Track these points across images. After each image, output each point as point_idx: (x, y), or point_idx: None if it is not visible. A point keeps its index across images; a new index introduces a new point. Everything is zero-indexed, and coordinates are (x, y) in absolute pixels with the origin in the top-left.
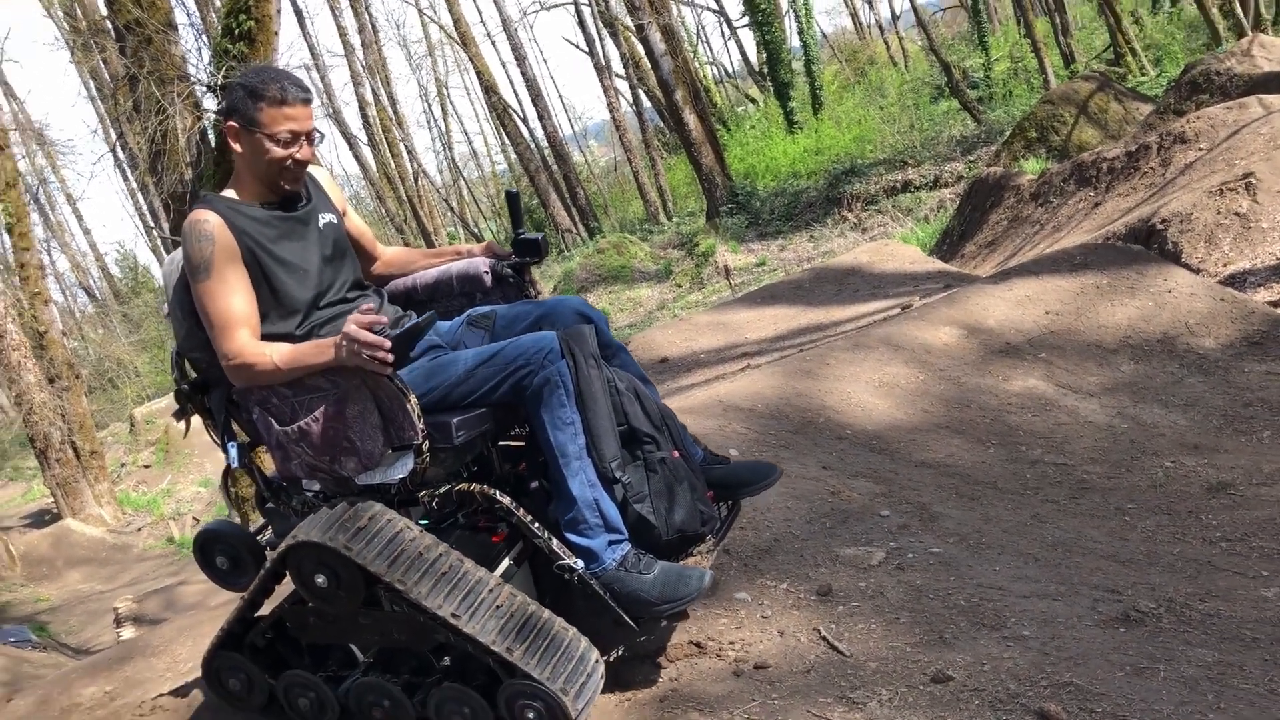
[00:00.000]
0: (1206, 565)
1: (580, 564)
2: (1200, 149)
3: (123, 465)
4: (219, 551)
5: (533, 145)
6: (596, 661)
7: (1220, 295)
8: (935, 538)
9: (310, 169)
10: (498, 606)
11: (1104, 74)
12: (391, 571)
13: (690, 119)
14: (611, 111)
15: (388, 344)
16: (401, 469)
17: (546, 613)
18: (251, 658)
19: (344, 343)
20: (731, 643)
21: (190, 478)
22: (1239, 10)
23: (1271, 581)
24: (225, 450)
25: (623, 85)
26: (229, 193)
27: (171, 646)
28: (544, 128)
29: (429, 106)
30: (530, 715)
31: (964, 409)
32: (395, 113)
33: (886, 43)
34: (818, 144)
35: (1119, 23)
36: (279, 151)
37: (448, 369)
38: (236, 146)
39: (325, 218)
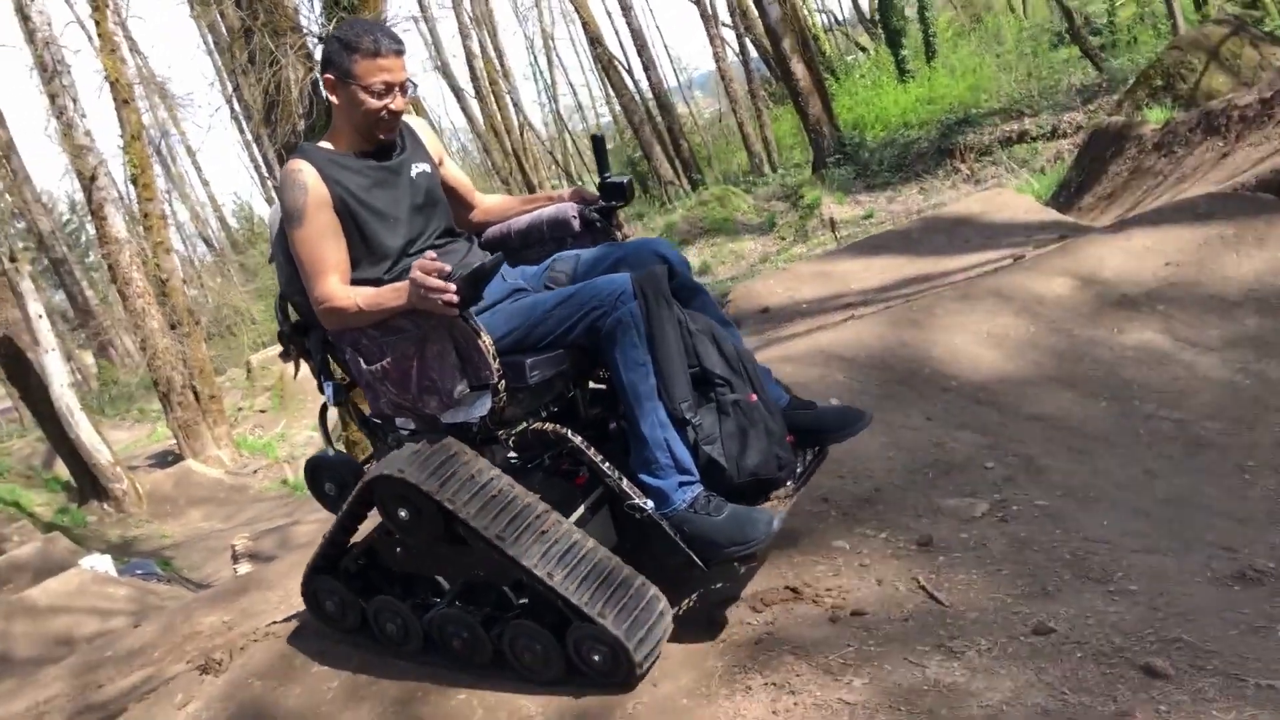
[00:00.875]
0: None
1: (650, 504)
2: None
3: (240, 410)
4: (326, 478)
5: (637, 97)
6: (664, 610)
7: None
8: (1041, 490)
9: (409, 119)
10: (568, 550)
11: (1239, 17)
12: (466, 509)
13: (798, 68)
14: (717, 61)
15: (452, 287)
16: (481, 408)
17: (615, 559)
18: (345, 582)
19: (412, 287)
20: (829, 589)
21: (304, 422)
22: None
23: None
24: (322, 389)
25: (729, 35)
26: (325, 143)
27: (284, 581)
28: (649, 79)
29: (534, 58)
30: (596, 659)
31: (1076, 362)
32: (501, 65)
33: None
34: (930, 93)
35: None
36: (374, 103)
37: (528, 311)
38: (333, 98)
39: (419, 167)
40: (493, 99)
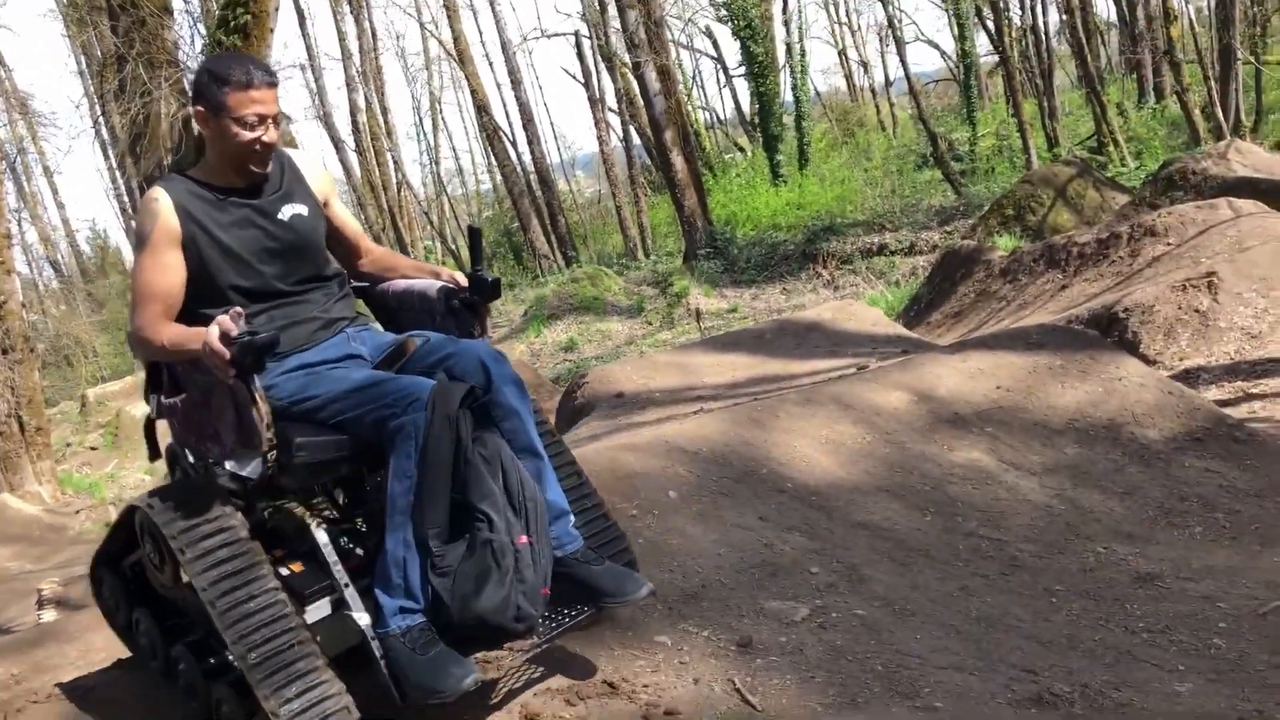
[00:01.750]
0: (1126, 654)
1: (365, 619)
2: (1169, 244)
3: (68, 445)
4: None
5: (519, 169)
6: (351, 710)
7: (1169, 389)
8: (861, 600)
9: (296, 154)
10: (263, 626)
11: (1085, 161)
12: (191, 563)
13: (677, 160)
14: (601, 144)
15: (226, 355)
16: (252, 469)
17: (311, 650)
18: (121, 581)
19: (204, 342)
20: (645, 685)
21: (137, 464)
22: (1219, 114)
23: (1186, 676)
24: (147, 400)
25: (614, 120)
26: (194, 174)
27: (87, 634)
28: (532, 153)
29: (420, 119)
30: None
31: (906, 474)
32: (385, 122)
33: (878, 107)
34: (800, 199)
35: (1104, 112)
36: (245, 135)
37: (330, 383)
38: (204, 130)
39: (293, 209)
40: (373, 154)
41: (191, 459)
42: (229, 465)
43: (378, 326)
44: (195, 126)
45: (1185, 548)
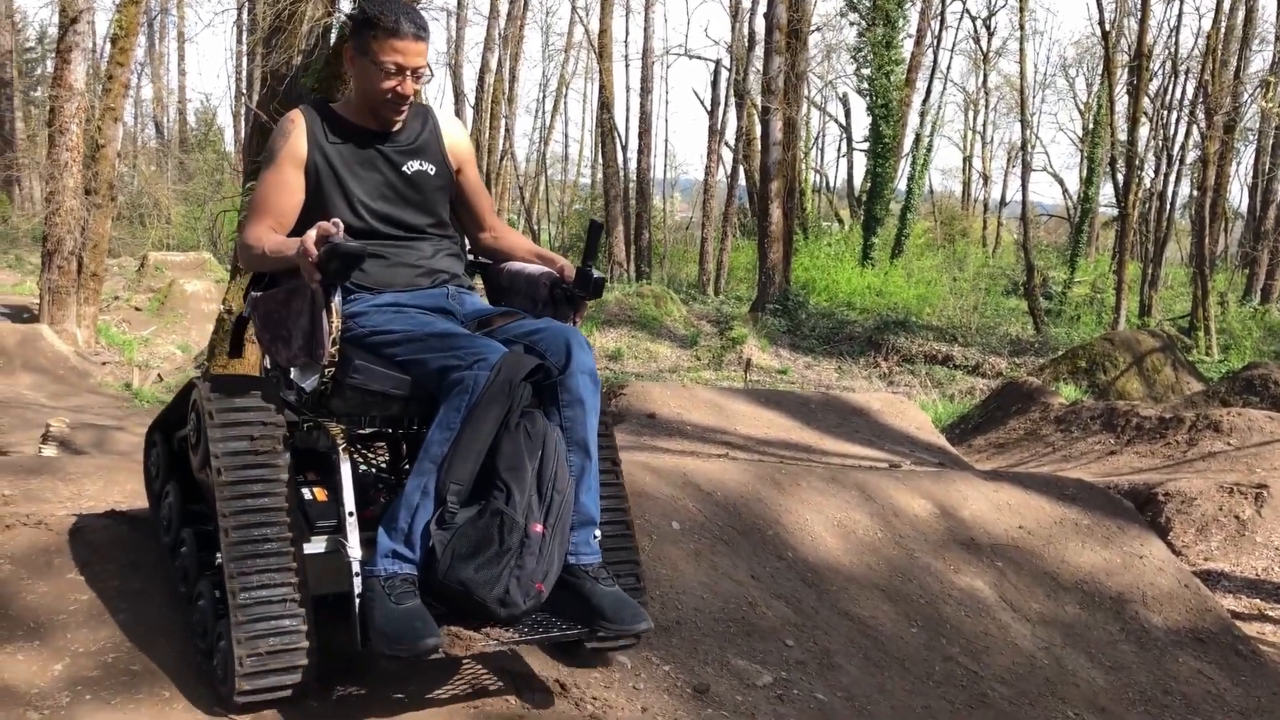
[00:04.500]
0: None
1: (357, 554)
2: (1229, 444)
3: (116, 298)
4: None
5: (622, 173)
6: (300, 666)
7: (1186, 581)
8: (826, 685)
9: (442, 116)
10: (260, 540)
11: (1172, 338)
12: (219, 459)
13: (775, 211)
14: (707, 174)
15: (314, 251)
16: (308, 381)
17: (293, 580)
18: (168, 450)
19: (299, 243)
20: (595, 698)
21: (173, 337)
22: None
23: None
24: (245, 300)
25: (727, 155)
26: (338, 107)
27: (83, 478)
28: (639, 162)
29: (543, 98)
30: (216, 660)
31: (905, 580)
32: (510, 89)
33: (985, 222)
34: (883, 286)
35: (1205, 298)
36: (383, 82)
37: (413, 324)
38: (349, 68)
39: (421, 165)
40: (489, 116)
41: (266, 362)
42: (292, 374)
43: (481, 297)
44: (333, 38)
45: None
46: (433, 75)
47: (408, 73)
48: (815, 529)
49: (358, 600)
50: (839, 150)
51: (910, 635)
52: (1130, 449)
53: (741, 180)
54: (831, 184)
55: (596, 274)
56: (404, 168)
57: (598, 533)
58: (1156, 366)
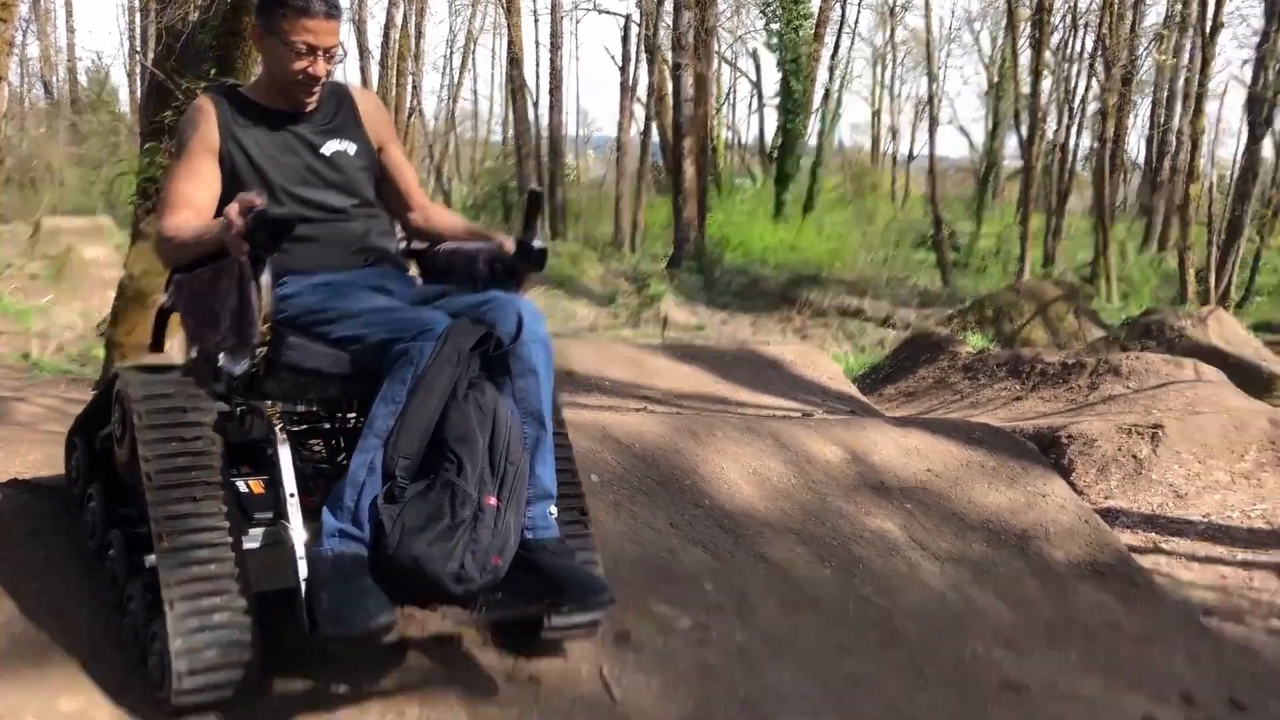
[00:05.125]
0: None
1: (302, 537)
2: (1128, 387)
3: (9, 266)
4: None
5: (534, 130)
6: (245, 662)
7: (1086, 518)
8: (744, 627)
9: (359, 93)
10: (193, 532)
11: (1075, 287)
12: (148, 458)
13: (689, 169)
14: (620, 131)
15: (239, 222)
16: (239, 365)
17: (233, 573)
18: (89, 451)
19: (222, 218)
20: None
21: (74, 305)
22: (1212, 280)
23: None
24: (166, 290)
25: (639, 112)
26: (247, 89)
27: None
28: (551, 120)
29: (450, 54)
30: (151, 661)
31: (819, 524)
32: (417, 45)
33: (894, 177)
34: (795, 241)
35: (1106, 247)
36: (293, 63)
37: (351, 300)
38: (257, 47)
39: (340, 145)
40: (395, 73)
41: (192, 352)
42: (221, 360)
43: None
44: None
45: (1057, 669)
46: (345, 54)
47: (319, 53)
48: (731, 477)
49: (303, 584)
50: (750, 106)
51: (824, 576)
52: (1035, 394)
53: (655, 137)
54: (744, 140)
55: (538, 244)
56: (323, 149)
57: (554, 508)
58: (1060, 314)
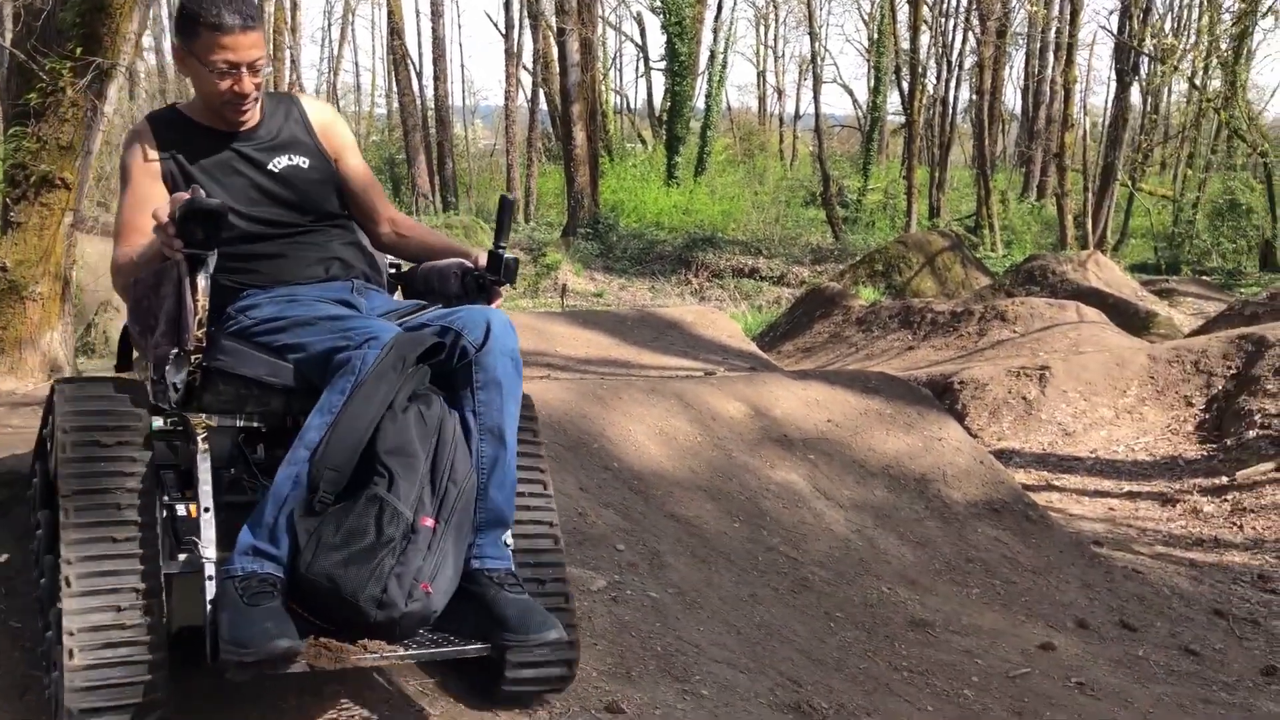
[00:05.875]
0: (884, 686)
1: (212, 554)
2: (1015, 331)
3: None
4: None
5: (419, 101)
6: (140, 695)
7: (981, 459)
8: (657, 584)
9: (308, 101)
10: (109, 557)
11: (959, 237)
12: (64, 475)
13: (579, 135)
14: (507, 100)
15: (166, 220)
16: (180, 375)
17: (150, 607)
18: (45, 476)
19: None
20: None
21: None
22: (1089, 225)
23: (932, 718)
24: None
25: (526, 79)
26: (187, 108)
27: None
28: (436, 90)
29: (329, 26)
30: (49, 690)
31: (725, 480)
32: (293, 18)
33: (781, 136)
34: (689, 204)
35: (988, 197)
36: (218, 84)
37: (304, 308)
38: (182, 71)
39: (288, 160)
40: (272, 47)
41: (151, 370)
42: (166, 372)
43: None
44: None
45: (960, 604)
46: (272, 65)
47: (242, 68)
48: (638, 438)
49: (208, 607)
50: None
51: (733, 530)
52: (927, 343)
53: (543, 104)
54: (632, 105)
55: (508, 256)
56: (270, 165)
57: (509, 537)
58: (947, 265)
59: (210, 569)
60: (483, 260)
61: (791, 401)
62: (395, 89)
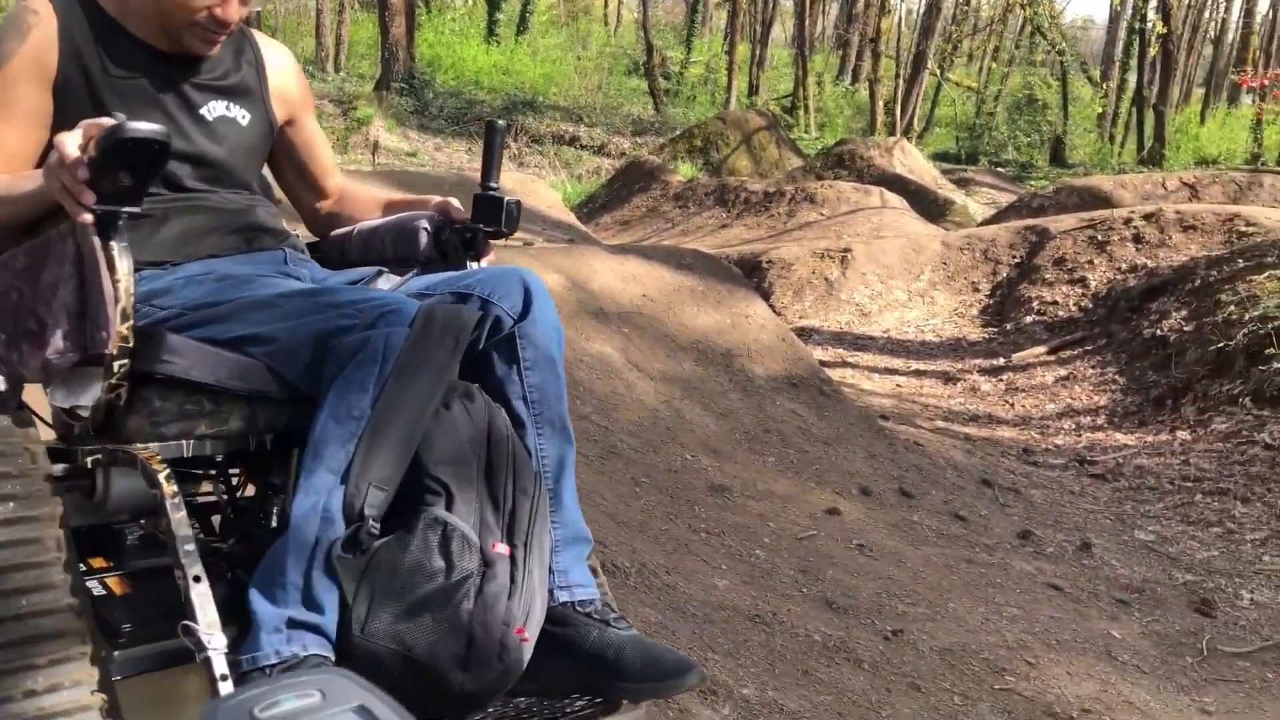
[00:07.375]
0: (683, 547)
1: (216, 642)
2: (822, 214)
3: None
4: None
5: None
6: None
7: (783, 336)
8: None
9: (273, 49)
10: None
11: (776, 117)
12: None
13: None
14: None
15: (80, 158)
16: (88, 393)
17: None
18: None
19: (51, 160)
20: None
21: None
22: (898, 112)
23: (726, 575)
24: None
25: None
26: (117, 5)
27: None
28: None
29: None
30: None
31: None
32: None
33: (606, 1)
34: (509, 65)
35: (805, 78)
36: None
37: (253, 288)
38: None
39: (225, 109)
40: None
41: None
42: (55, 396)
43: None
44: None
45: (756, 471)
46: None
47: None
48: None
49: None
50: None
51: None
52: (740, 222)
53: None
54: None
55: (508, 198)
56: (202, 109)
57: (593, 557)
58: (763, 144)
59: (220, 664)
60: (461, 212)
61: (609, 275)
62: None
